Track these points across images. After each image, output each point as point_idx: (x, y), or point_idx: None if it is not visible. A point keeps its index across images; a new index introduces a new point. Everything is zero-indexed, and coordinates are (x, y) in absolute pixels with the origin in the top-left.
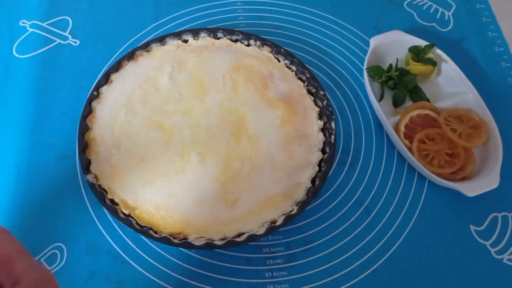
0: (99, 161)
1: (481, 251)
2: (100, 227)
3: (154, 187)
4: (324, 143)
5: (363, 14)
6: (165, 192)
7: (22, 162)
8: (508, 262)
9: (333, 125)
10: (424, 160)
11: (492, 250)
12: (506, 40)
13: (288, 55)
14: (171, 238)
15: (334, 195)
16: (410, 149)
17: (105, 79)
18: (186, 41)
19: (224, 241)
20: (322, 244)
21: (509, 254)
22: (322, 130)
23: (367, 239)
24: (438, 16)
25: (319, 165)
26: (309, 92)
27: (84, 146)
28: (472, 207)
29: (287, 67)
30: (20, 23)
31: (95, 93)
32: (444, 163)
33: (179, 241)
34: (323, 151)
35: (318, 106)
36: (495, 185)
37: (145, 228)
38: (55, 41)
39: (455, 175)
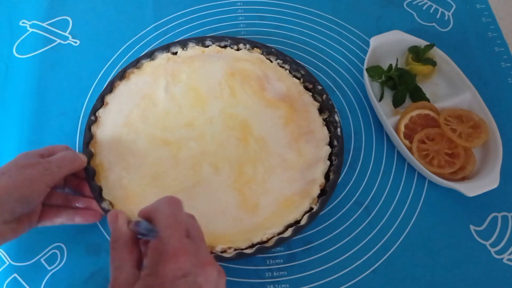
0: (110, 186)
1: (481, 251)
2: (100, 226)
3: None
4: (330, 136)
5: (363, 14)
6: (184, 207)
7: None
8: (508, 262)
9: (336, 118)
10: (424, 160)
11: (492, 250)
12: (506, 40)
13: (279, 55)
14: None
15: (334, 195)
16: (410, 149)
17: (101, 102)
18: (175, 53)
19: (254, 249)
20: (322, 244)
21: (509, 254)
22: (326, 124)
23: (367, 239)
24: (438, 16)
25: (330, 159)
26: (306, 88)
27: (92, 174)
28: (472, 207)
29: (280, 66)
30: (20, 23)
31: (92, 117)
32: (444, 163)
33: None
34: (330, 145)
35: (317, 101)
36: (495, 185)
37: None
38: (55, 41)
39: (455, 175)
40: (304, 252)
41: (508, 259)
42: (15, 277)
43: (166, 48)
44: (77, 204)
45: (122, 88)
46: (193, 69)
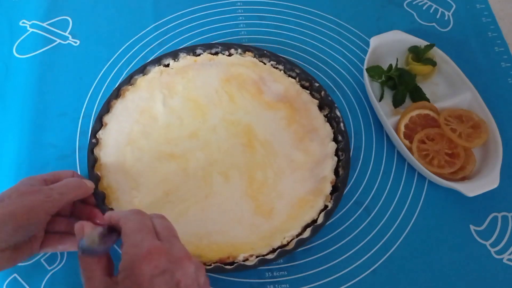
0: (121, 207)
1: (481, 251)
2: None
3: (188, 218)
4: (334, 132)
5: (363, 14)
6: (200, 220)
7: (22, 162)
8: (508, 262)
9: (338, 113)
10: (424, 160)
11: (492, 250)
12: (506, 40)
13: (272, 56)
14: (223, 265)
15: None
16: (410, 149)
17: (99, 123)
18: (167, 65)
19: (276, 253)
20: (322, 244)
21: (509, 254)
22: (328, 120)
23: (367, 239)
24: (438, 16)
25: (336, 155)
26: (303, 86)
27: (102, 197)
28: (472, 207)
29: (274, 67)
30: (20, 23)
31: (94, 140)
32: (444, 163)
33: (232, 267)
34: (335, 141)
35: (316, 98)
36: (495, 185)
37: None
38: (55, 41)
39: (455, 175)
40: (304, 252)
41: (508, 259)
42: (15, 277)
43: (157, 61)
44: None
45: (119, 106)
46: (188, 80)
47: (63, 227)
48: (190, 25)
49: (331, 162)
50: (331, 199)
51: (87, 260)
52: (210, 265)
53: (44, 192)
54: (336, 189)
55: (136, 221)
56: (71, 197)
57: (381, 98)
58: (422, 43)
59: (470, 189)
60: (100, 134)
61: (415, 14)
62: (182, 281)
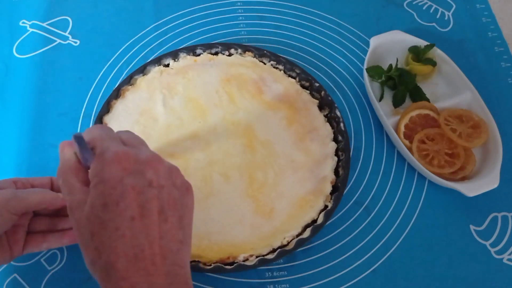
0: None
1: (481, 251)
2: None
3: None
4: (334, 132)
5: (363, 14)
6: (201, 220)
7: (22, 162)
8: (508, 262)
9: (338, 113)
10: (424, 160)
11: (492, 250)
12: (506, 40)
13: (272, 56)
14: (223, 265)
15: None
16: (410, 149)
17: (100, 124)
18: (167, 65)
19: (275, 253)
20: (322, 244)
21: (509, 254)
22: (328, 120)
23: (367, 239)
24: (438, 16)
25: (337, 155)
26: (303, 86)
27: None
28: (472, 207)
29: (274, 67)
30: (20, 23)
31: None
32: (444, 163)
33: (232, 267)
34: (335, 140)
35: (316, 98)
36: (495, 185)
37: (193, 262)
38: (55, 41)
39: (455, 175)
40: (304, 252)
41: (508, 259)
42: (15, 277)
43: (157, 61)
44: (63, 226)
45: (119, 107)
46: (188, 80)
47: (45, 225)
48: (190, 25)
49: (331, 162)
50: (331, 199)
51: (66, 175)
52: (210, 265)
53: (8, 191)
54: (336, 189)
55: (101, 132)
56: (38, 199)
57: (381, 98)
58: (422, 43)
59: (470, 189)
60: None
61: (415, 14)
62: (155, 180)
